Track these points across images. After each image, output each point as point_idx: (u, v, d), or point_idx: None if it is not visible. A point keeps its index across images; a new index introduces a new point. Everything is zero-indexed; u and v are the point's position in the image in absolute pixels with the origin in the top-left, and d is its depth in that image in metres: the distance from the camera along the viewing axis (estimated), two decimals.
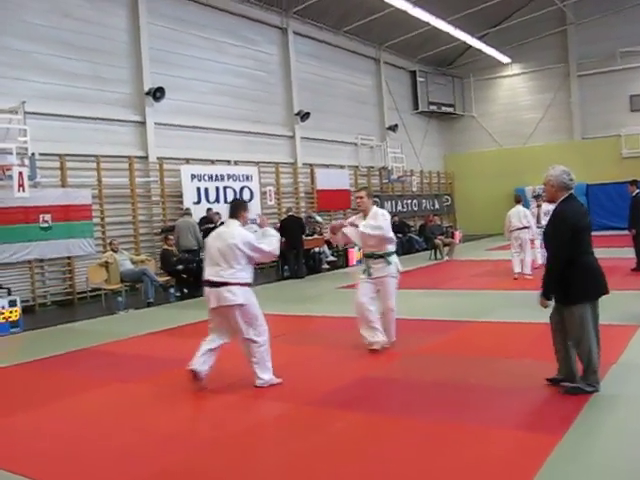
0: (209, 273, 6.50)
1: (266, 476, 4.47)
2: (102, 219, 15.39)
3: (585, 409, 5.28)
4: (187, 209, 16.36)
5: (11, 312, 11.10)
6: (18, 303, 11.30)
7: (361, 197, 8.03)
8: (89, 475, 4.64)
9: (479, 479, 4.19)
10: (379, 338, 7.77)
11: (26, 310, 12.26)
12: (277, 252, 6.81)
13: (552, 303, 5.72)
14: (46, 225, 13.91)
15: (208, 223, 16.31)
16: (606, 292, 5.67)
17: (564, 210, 5.62)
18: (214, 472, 4.56)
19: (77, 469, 4.77)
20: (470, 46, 27.64)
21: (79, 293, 14.61)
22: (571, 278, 5.51)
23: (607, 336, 8.04)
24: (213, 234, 6.78)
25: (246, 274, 6.51)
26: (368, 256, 8.01)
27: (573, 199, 5.70)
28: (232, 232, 6.53)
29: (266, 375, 6.61)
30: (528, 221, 14.04)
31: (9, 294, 11.77)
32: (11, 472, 4.70)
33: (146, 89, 16.53)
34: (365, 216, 7.96)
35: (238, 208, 6.83)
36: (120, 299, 13.27)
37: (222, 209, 17.10)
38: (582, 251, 5.57)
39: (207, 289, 6.51)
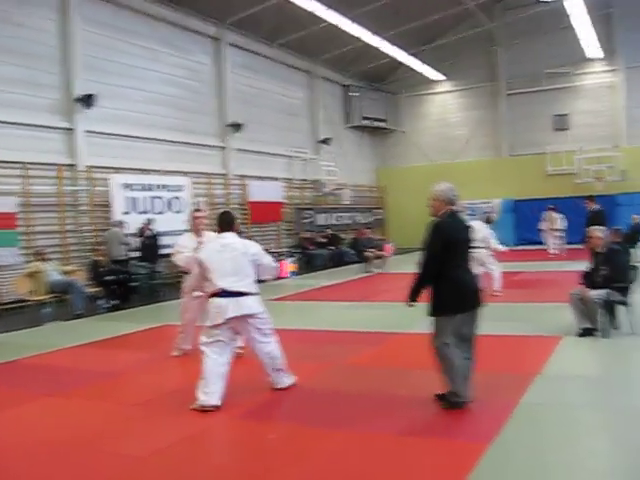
0: (224, 284, 6.34)
1: None
2: (28, 228, 14.99)
3: (511, 418, 5.42)
4: (119, 221, 16.09)
5: None
6: None
7: (199, 217, 8.22)
8: None
9: None
10: None
11: None
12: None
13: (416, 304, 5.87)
14: None
15: (139, 235, 16.14)
16: (470, 308, 5.76)
17: (439, 223, 5.77)
18: None
19: None
20: (402, 63, 28.09)
21: (4, 304, 14.16)
22: (436, 291, 5.71)
23: (532, 347, 8.36)
24: (215, 246, 6.59)
25: (255, 285, 6.58)
26: None
27: (454, 214, 5.87)
28: (241, 243, 6.61)
29: (286, 378, 6.73)
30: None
31: None
32: None
33: (76, 96, 16.20)
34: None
35: (232, 220, 6.78)
36: (47, 310, 12.94)
37: (154, 219, 16.98)
38: (453, 265, 5.71)
39: (223, 300, 6.32)
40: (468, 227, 6.05)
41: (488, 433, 5.09)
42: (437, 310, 5.72)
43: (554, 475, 4.38)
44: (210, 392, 6.20)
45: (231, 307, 6.31)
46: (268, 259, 6.77)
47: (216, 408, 6.12)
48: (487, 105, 29.59)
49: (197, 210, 8.66)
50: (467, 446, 4.95)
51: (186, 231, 8.95)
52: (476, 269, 12.71)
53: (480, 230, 12.91)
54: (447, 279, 5.67)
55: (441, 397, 5.87)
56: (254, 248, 6.62)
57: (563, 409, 5.73)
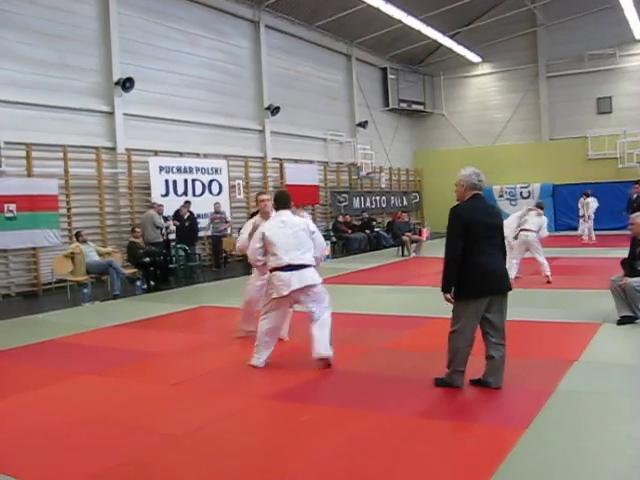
0: (290, 258, 6.77)
1: (228, 472, 4.45)
2: (68, 210, 15.21)
3: (547, 404, 5.37)
4: (154, 203, 16.24)
5: None
6: None
7: (263, 199, 8.24)
8: (52, 467, 4.60)
9: (446, 468, 4.26)
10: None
11: None
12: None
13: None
14: (11, 215, 13.71)
15: (177, 217, 16.25)
16: (491, 293, 5.71)
17: (457, 208, 5.81)
18: (173, 467, 4.55)
19: (40, 461, 4.71)
20: (441, 44, 27.78)
21: (44, 284, 14.42)
22: (459, 275, 5.68)
23: (570, 333, 8.26)
24: (277, 223, 7.00)
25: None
26: None
27: (478, 198, 5.84)
28: (299, 220, 7.14)
29: (330, 350, 6.91)
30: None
31: None
32: None
33: (115, 79, 16.34)
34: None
35: (288, 199, 7.29)
36: (86, 291, 13.13)
37: (192, 202, 17.11)
38: (475, 249, 5.67)
39: (286, 273, 6.74)
40: (494, 212, 5.99)
41: (524, 418, 5.04)
42: (456, 294, 5.71)
43: (592, 461, 4.32)
44: (260, 357, 6.93)
45: (295, 279, 6.73)
46: (321, 237, 7.26)
47: (259, 368, 6.87)
48: (527, 88, 29.12)
49: (262, 193, 8.78)
50: (503, 431, 4.93)
51: (253, 214, 9.02)
52: (519, 254, 12.68)
53: (532, 217, 12.76)
54: (468, 264, 5.65)
55: (476, 381, 5.86)
56: (312, 225, 7.14)
57: (601, 396, 5.66)
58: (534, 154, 28.46)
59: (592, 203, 21.36)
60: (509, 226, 12.15)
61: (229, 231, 18.13)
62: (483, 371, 5.85)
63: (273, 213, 7.75)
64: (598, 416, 5.19)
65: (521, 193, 28.37)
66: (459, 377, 5.83)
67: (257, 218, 8.22)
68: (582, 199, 21.87)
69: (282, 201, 7.23)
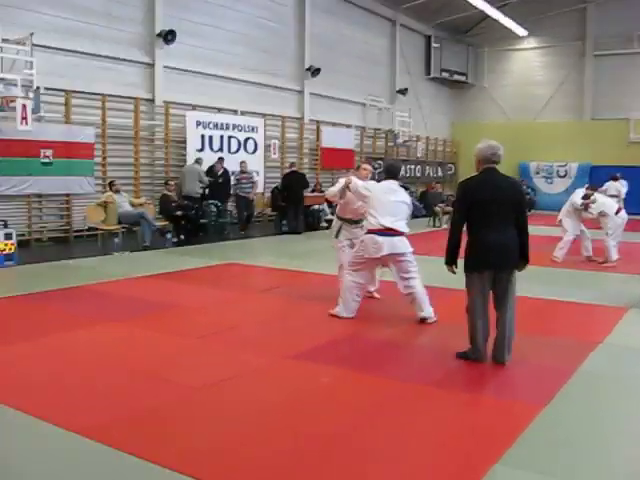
0: (386, 221, 7.16)
1: (246, 425, 4.51)
2: (104, 159, 15.29)
3: (568, 383, 5.34)
4: (198, 158, 16.28)
5: (6, 245, 11.11)
6: (14, 236, 11.31)
7: (366, 169, 8.52)
8: (74, 409, 4.69)
9: (462, 439, 4.28)
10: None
11: (21, 244, 12.24)
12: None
13: (458, 270, 5.93)
14: (47, 160, 13.82)
15: (211, 173, 16.28)
16: (491, 268, 5.70)
17: (462, 182, 5.99)
18: (190, 418, 4.63)
19: (62, 403, 4.81)
20: (488, 15, 27.21)
21: (75, 231, 14.59)
22: (466, 248, 5.78)
23: (597, 316, 8.20)
24: (383, 188, 7.45)
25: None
26: (349, 221, 8.39)
27: (490, 172, 5.80)
28: (402, 192, 7.56)
29: (429, 309, 7.44)
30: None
31: (5, 227, 11.75)
32: None
33: (158, 31, 16.30)
34: None
35: (398, 170, 8.07)
36: (116, 240, 13.27)
37: (226, 158, 17.12)
38: (477, 224, 5.68)
39: (380, 237, 7.14)
40: (508, 186, 5.85)
41: (544, 395, 5.02)
42: (464, 266, 5.78)
43: (608, 442, 4.32)
44: (347, 308, 7.44)
45: (386, 245, 7.13)
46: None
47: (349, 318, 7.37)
48: (572, 65, 28.50)
49: (365, 163, 9.21)
50: (521, 406, 4.92)
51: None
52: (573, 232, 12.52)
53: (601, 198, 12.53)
54: (472, 237, 5.72)
55: (461, 355, 5.96)
56: (410, 198, 7.75)
57: (622, 379, 5.62)
58: (574, 133, 27.94)
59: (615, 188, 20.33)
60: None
61: (255, 191, 17.67)
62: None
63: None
64: (619, 399, 5.16)
65: (558, 172, 28.01)
66: (479, 353, 5.83)
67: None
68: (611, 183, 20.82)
69: (392, 172, 7.70)
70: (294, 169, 18.09)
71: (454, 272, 5.90)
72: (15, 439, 4.27)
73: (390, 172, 7.70)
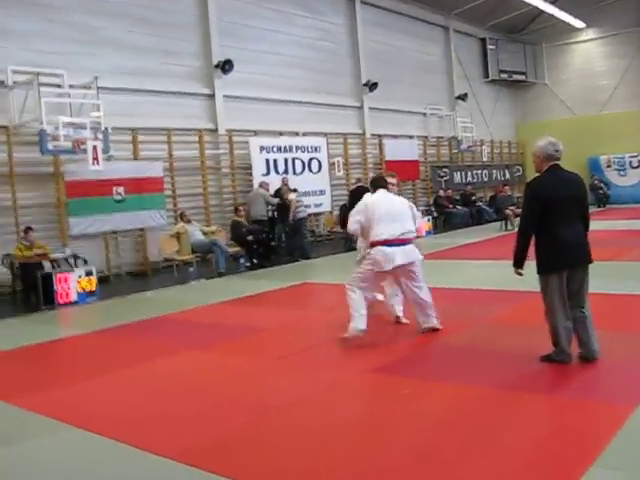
0: (394, 230, 6.94)
1: (333, 443, 4.52)
2: (173, 191, 15.66)
3: None
4: (262, 182, 16.46)
5: (88, 281, 11.45)
6: (94, 273, 11.64)
7: (393, 184, 8.06)
8: (166, 435, 4.79)
9: (551, 445, 4.17)
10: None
11: (101, 280, 12.58)
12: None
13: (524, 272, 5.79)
14: (120, 197, 14.23)
15: (278, 196, 16.41)
16: (570, 266, 5.58)
17: (531, 182, 5.74)
18: (280, 438, 4.65)
19: (154, 430, 4.91)
20: (542, 11, 26.79)
21: (152, 264, 14.93)
22: (538, 249, 5.64)
23: None
24: (379, 198, 7.23)
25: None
26: None
27: (556, 169, 5.66)
28: (396, 198, 7.44)
29: (435, 320, 7.26)
30: None
31: (85, 264, 12.13)
32: (90, 431, 4.89)
33: (215, 62, 16.64)
34: None
35: (385, 181, 7.57)
36: (191, 269, 13.53)
37: (291, 180, 17.27)
38: (551, 222, 5.52)
39: (390, 248, 6.88)
40: (575, 182, 5.76)
41: (632, 395, 4.86)
42: (539, 268, 5.65)
43: None
44: (358, 324, 6.98)
45: (399, 255, 6.89)
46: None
47: (363, 332, 6.97)
48: (634, 52, 27.71)
49: (391, 176, 8.65)
50: (612, 407, 4.73)
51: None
52: None
53: None
54: (547, 237, 5.57)
55: (546, 357, 5.78)
56: (408, 203, 7.44)
57: None
58: None
59: None
60: None
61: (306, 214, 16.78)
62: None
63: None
64: None
65: (630, 163, 27.23)
66: (564, 354, 5.68)
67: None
68: None
69: (377, 184, 7.48)
70: (360, 184, 18.08)
71: (522, 274, 5.77)
72: (111, 467, 4.38)
73: (378, 185, 7.44)
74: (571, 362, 5.67)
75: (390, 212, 7.05)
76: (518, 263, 5.77)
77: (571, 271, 5.60)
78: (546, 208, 5.52)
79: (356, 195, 17.35)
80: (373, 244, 7.00)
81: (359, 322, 7.00)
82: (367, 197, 7.41)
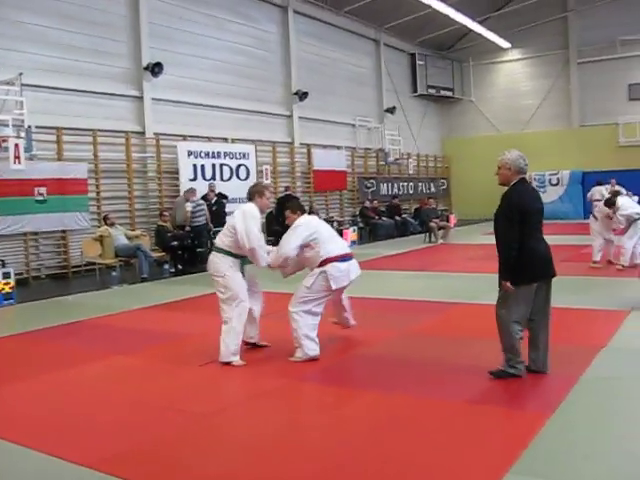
0: (343, 246, 7.04)
1: (257, 450, 4.51)
2: (98, 193, 15.36)
3: (574, 390, 5.35)
4: (189, 188, 16.14)
5: (5, 284, 11.11)
6: (12, 275, 11.30)
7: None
8: (84, 443, 4.68)
9: (470, 449, 4.27)
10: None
11: (20, 283, 12.25)
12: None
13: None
14: (41, 198, 13.87)
15: (205, 200, 16.23)
16: (545, 277, 5.72)
17: (513, 192, 5.67)
18: (203, 445, 4.61)
19: (72, 438, 4.80)
20: (470, 30, 27.48)
21: (73, 267, 14.60)
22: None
23: (599, 320, 8.22)
24: (313, 218, 7.18)
25: None
26: None
27: (524, 183, 5.78)
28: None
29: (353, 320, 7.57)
30: None
31: (3, 266, 11.76)
32: (6, 440, 4.75)
33: (144, 64, 16.42)
34: None
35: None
36: (114, 274, 13.29)
37: (219, 186, 17.18)
38: (528, 235, 5.59)
39: (344, 264, 6.77)
40: (539, 196, 5.97)
41: (551, 403, 5.03)
42: (517, 280, 5.56)
43: (617, 445, 4.32)
44: (315, 347, 6.60)
45: (352, 270, 6.87)
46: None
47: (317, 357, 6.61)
48: (557, 74, 28.74)
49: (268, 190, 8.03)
50: (529, 415, 4.93)
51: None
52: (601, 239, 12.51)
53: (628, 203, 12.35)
54: (523, 249, 5.53)
55: (496, 373, 5.75)
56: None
57: (629, 382, 5.62)
58: (564, 141, 28.15)
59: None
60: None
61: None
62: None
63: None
64: (627, 402, 5.17)
65: (550, 180, 28.10)
66: (522, 366, 5.71)
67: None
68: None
69: (301, 206, 7.39)
70: (289, 192, 18.14)
71: (512, 289, 5.56)
72: (26, 477, 4.26)
73: (301, 207, 7.26)
74: (523, 375, 5.69)
75: (330, 230, 7.09)
76: (509, 276, 5.57)
77: (541, 283, 5.70)
78: (525, 220, 5.55)
79: (284, 203, 17.52)
80: (325, 261, 6.64)
81: (310, 347, 6.58)
82: (304, 221, 6.96)
